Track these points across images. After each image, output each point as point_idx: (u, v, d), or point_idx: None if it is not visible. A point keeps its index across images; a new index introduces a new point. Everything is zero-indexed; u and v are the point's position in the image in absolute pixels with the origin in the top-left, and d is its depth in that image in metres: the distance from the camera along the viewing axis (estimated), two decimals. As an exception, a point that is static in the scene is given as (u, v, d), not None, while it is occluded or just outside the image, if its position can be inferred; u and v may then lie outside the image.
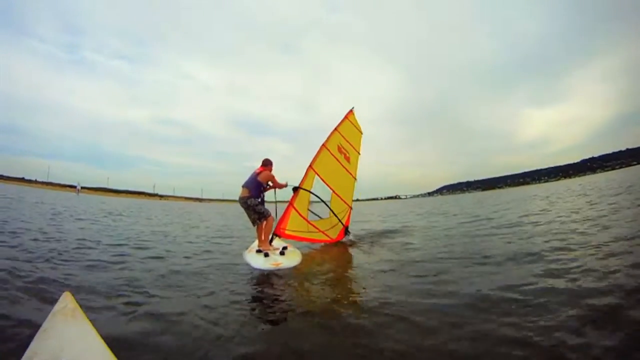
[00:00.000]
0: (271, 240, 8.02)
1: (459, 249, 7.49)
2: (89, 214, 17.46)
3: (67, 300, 1.88)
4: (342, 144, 9.90)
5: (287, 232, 8.40)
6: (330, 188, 9.47)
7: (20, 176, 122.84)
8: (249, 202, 7.74)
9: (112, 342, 2.91)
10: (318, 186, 9.08)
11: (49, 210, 16.80)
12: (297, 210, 8.60)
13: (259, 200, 7.92)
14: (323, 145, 9.37)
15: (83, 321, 1.79)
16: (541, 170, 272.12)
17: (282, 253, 7.39)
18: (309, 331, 3.51)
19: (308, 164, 8.91)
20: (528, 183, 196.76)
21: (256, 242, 8.67)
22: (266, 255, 7.09)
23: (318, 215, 9.24)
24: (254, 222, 7.93)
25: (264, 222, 7.81)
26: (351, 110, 10.44)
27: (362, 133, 10.68)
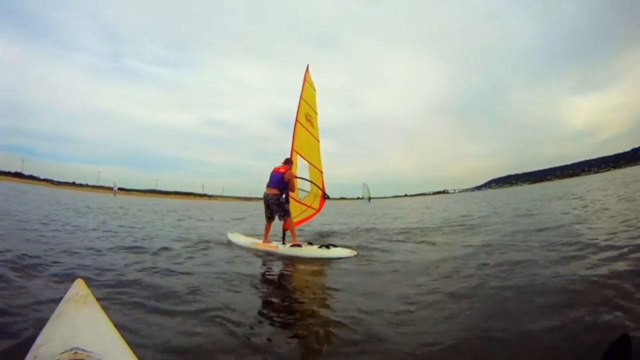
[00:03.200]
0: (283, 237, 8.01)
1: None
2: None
3: (79, 287, 1.84)
4: (307, 111, 9.21)
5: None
6: (308, 162, 8.98)
7: (71, 181, 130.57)
8: (280, 200, 7.82)
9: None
10: (300, 165, 8.67)
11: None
12: (294, 198, 8.41)
13: (285, 198, 8.01)
14: (296, 121, 8.65)
15: (95, 307, 1.73)
16: (591, 160, 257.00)
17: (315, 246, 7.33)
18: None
19: (292, 147, 8.44)
20: (578, 175, 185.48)
21: (237, 235, 9.07)
22: (299, 246, 7.34)
23: (305, 191, 9.00)
24: (271, 218, 7.99)
25: (288, 220, 7.85)
26: (307, 70, 9.33)
27: (315, 90, 9.78)
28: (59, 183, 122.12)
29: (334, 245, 7.25)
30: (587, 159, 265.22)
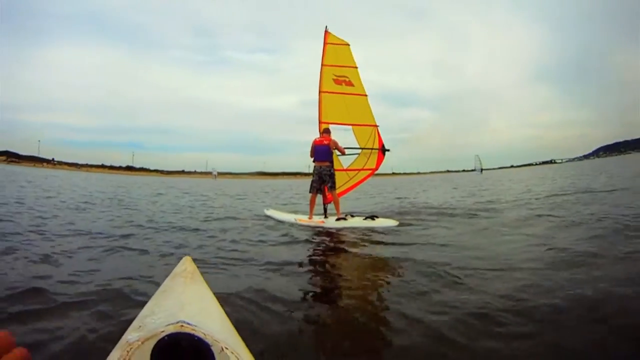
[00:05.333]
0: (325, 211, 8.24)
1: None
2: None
3: (187, 264, 1.84)
4: (336, 73, 8.69)
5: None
6: (348, 124, 8.66)
7: (181, 169, 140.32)
8: (332, 171, 8.03)
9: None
10: (338, 133, 8.46)
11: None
12: (337, 169, 8.33)
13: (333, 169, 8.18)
14: (320, 92, 8.57)
15: (202, 284, 1.72)
16: None
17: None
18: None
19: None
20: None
21: (274, 211, 9.15)
22: (344, 219, 7.51)
23: (355, 154, 8.69)
24: (319, 190, 8.07)
25: (333, 192, 8.03)
26: (326, 32, 8.77)
27: (348, 44, 8.92)
28: (168, 172, 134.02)
29: (377, 217, 7.44)
30: None
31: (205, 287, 1.71)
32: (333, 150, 8.11)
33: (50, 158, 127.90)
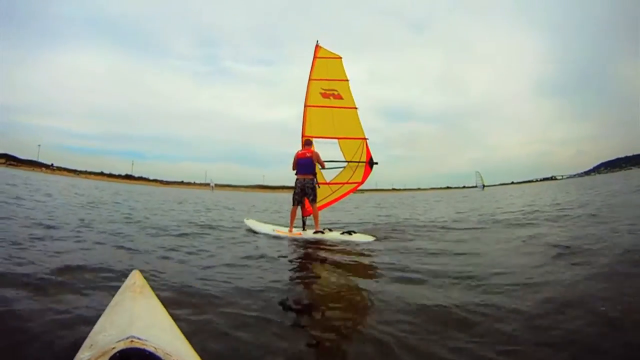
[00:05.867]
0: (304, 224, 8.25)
1: None
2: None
3: (135, 278, 1.87)
4: (323, 87, 8.66)
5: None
6: (334, 138, 8.58)
7: (180, 180, 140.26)
8: (315, 184, 8.02)
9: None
10: (323, 146, 8.44)
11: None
12: (320, 182, 8.37)
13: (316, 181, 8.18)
14: (305, 107, 8.58)
15: (151, 298, 1.73)
16: None
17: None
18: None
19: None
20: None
21: (254, 222, 8.96)
22: (322, 232, 7.54)
23: (339, 168, 8.63)
24: (301, 203, 8.11)
25: (314, 205, 7.97)
26: (317, 46, 8.79)
27: (340, 57, 8.84)
28: (167, 182, 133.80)
29: (354, 232, 7.50)
30: None
31: (155, 300, 1.72)
32: (315, 163, 8.10)
33: (50, 163, 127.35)
